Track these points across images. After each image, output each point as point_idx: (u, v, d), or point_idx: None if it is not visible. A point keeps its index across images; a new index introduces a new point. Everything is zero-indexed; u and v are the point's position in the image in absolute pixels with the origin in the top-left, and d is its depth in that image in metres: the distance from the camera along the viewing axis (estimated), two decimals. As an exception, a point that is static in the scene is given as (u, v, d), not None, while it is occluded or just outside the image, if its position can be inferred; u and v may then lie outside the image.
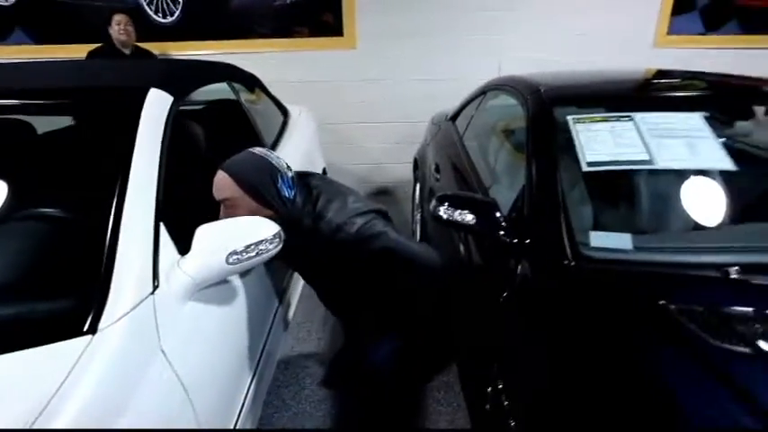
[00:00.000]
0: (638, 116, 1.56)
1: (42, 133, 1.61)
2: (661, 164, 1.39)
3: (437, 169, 2.39)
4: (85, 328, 0.90)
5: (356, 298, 1.44)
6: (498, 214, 1.37)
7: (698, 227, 1.35)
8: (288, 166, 1.39)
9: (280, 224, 1.20)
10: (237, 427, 1.25)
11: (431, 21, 3.71)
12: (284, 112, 2.77)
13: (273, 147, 2.26)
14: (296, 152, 2.42)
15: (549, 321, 1.11)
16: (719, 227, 1.34)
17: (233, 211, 1.28)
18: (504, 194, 1.69)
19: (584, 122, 1.60)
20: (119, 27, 3.36)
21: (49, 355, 0.86)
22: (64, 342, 0.88)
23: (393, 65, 3.81)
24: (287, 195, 1.32)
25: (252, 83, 2.56)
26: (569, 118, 1.60)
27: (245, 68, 2.59)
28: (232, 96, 2.26)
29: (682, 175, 1.42)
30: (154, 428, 0.89)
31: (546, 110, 1.70)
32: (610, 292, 1.12)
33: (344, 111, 3.91)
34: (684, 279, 1.13)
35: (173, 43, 3.80)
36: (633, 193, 1.45)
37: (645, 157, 1.41)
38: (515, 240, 1.31)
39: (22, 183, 1.26)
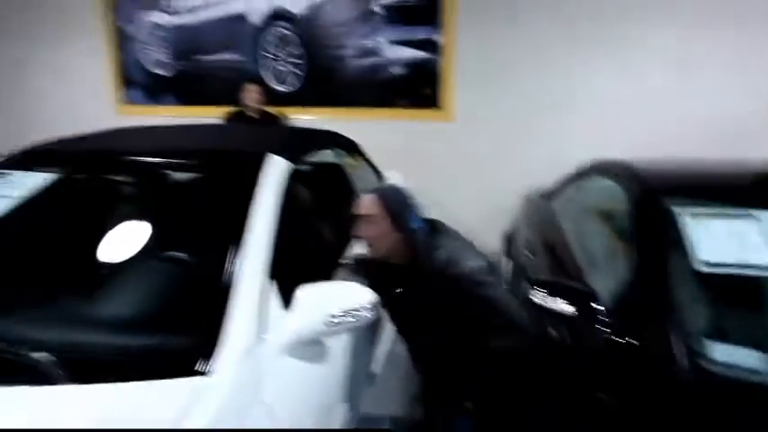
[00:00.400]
0: (764, 214, 1.43)
1: (176, 186, 1.85)
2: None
3: (530, 248, 2.34)
4: (198, 369, 0.98)
5: (448, 352, 1.48)
6: (599, 307, 1.31)
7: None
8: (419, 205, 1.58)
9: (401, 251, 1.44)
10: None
11: (530, 98, 3.77)
12: (380, 176, 2.91)
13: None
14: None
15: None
16: None
17: (369, 227, 1.49)
18: (604, 284, 1.60)
19: (697, 216, 1.50)
20: (250, 95, 3.85)
21: (164, 389, 0.94)
22: (178, 379, 0.96)
23: (489, 138, 3.89)
24: (416, 225, 1.49)
25: (352, 148, 2.76)
26: (680, 210, 1.52)
27: (348, 134, 2.80)
28: (335, 160, 2.45)
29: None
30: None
31: (653, 199, 1.63)
32: (733, 415, 0.99)
33: (438, 179, 4.00)
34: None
35: (287, 108, 4.25)
36: (760, 302, 1.31)
37: (773, 262, 1.28)
38: (618, 339, 1.23)
39: (155, 228, 1.45)
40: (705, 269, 1.32)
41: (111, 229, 1.41)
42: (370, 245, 1.52)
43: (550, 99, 3.75)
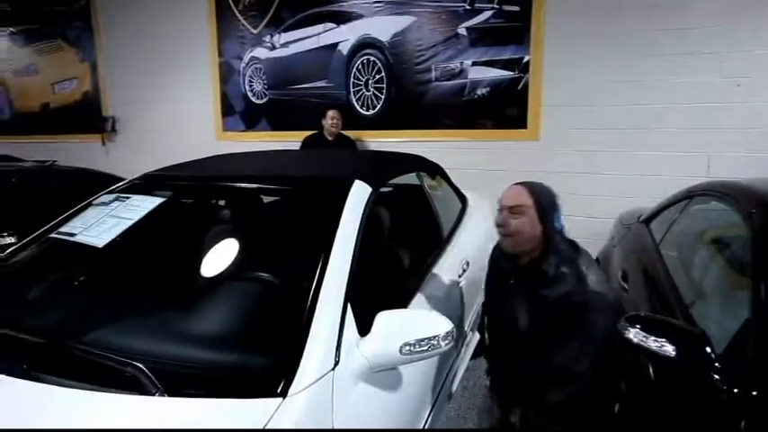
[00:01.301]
0: None
1: (267, 211, 1.97)
2: None
3: (624, 277, 2.14)
4: (278, 391, 1.01)
5: (539, 376, 1.42)
6: (709, 350, 1.15)
7: None
8: None
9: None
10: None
11: (624, 115, 3.52)
12: (463, 199, 2.87)
13: (451, 233, 2.34)
14: (471, 239, 2.46)
15: None
16: None
17: (518, 217, 1.47)
18: (714, 321, 1.42)
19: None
20: (332, 121, 4.10)
21: (241, 408, 0.97)
22: (256, 400, 0.99)
23: (578, 158, 3.67)
24: (557, 224, 1.48)
25: (435, 171, 2.74)
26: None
27: (431, 155, 2.81)
28: (416, 182, 2.45)
29: None
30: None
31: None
32: None
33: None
34: None
35: (370, 131, 4.39)
36: None
37: None
38: (734, 389, 1.07)
39: (247, 250, 1.55)
40: None
41: (208, 249, 1.54)
42: (511, 235, 1.47)
43: (644, 116, 3.46)
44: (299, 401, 1.00)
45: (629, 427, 1.54)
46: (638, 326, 1.24)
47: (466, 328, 2.16)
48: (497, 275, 1.66)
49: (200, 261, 1.48)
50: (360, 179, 1.61)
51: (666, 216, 2.31)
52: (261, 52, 4.81)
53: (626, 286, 2.08)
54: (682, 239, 2.09)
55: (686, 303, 1.61)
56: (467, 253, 2.28)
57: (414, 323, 1.20)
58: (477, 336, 2.35)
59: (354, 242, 1.38)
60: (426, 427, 1.52)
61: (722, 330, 1.32)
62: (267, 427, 0.93)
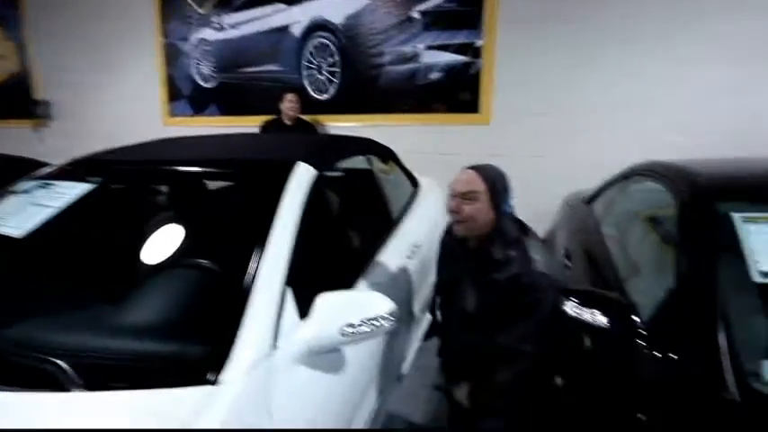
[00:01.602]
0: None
1: (205, 195, 1.89)
2: None
3: (567, 256, 2.22)
4: (208, 378, 0.97)
5: (488, 355, 1.45)
6: (637, 320, 1.20)
7: None
8: None
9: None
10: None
11: (573, 99, 3.62)
12: (414, 183, 2.87)
13: (401, 217, 2.34)
14: (422, 222, 2.47)
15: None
16: None
17: (472, 203, 1.45)
18: (646, 294, 1.48)
19: (757, 222, 1.36)
20: (290, 104, 3.96)
21: (171, 398, 0.93)
22: (186, 389, 0.95)
23: (524, 141, 3.75)
24: (507, 209, 1.49)
25: (386, 155, 2.73)
26: (736, 216, 1.38)
27: (384, 139, 2.78)
28: (366, 166, 2.43)
29: None
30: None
31: (704, 204, 1.49)
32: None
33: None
34: None
35: (325, 116, 4.31)
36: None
37: None
38: (658, 354, 1.12)
39: (181, 236, 1.48)
40: (763, 280, 1.18)
41: (137, 237, 1.46)
42: (464, 222, 1.46)
43: (591, 101, 3.57)
44: (231, 388, 0.97)
45: (571, 398, 1.60)
46: (573, 299, 1.28)
47: (416, 310, 2.18)
48: (447, 258, 1.68)
49: (131, 249, 1.40)
50: (303, 161, 1.57)
51: (606, 197, 2.40)
52: (209, 33, 4.61)
53: (569, 264, 2.16)
54: (620, 218, 2.18)
55: (621, 278, 1.68)
56: (417, 236, 2.29)
57: (354, 304, 1.19)
58: (429, 317, 2.38)
59: (296, 225, 1.35)
60: (376, 407, 1.52)
61: (652, 301, 1.38)
62: (196, 419, 0.90)
